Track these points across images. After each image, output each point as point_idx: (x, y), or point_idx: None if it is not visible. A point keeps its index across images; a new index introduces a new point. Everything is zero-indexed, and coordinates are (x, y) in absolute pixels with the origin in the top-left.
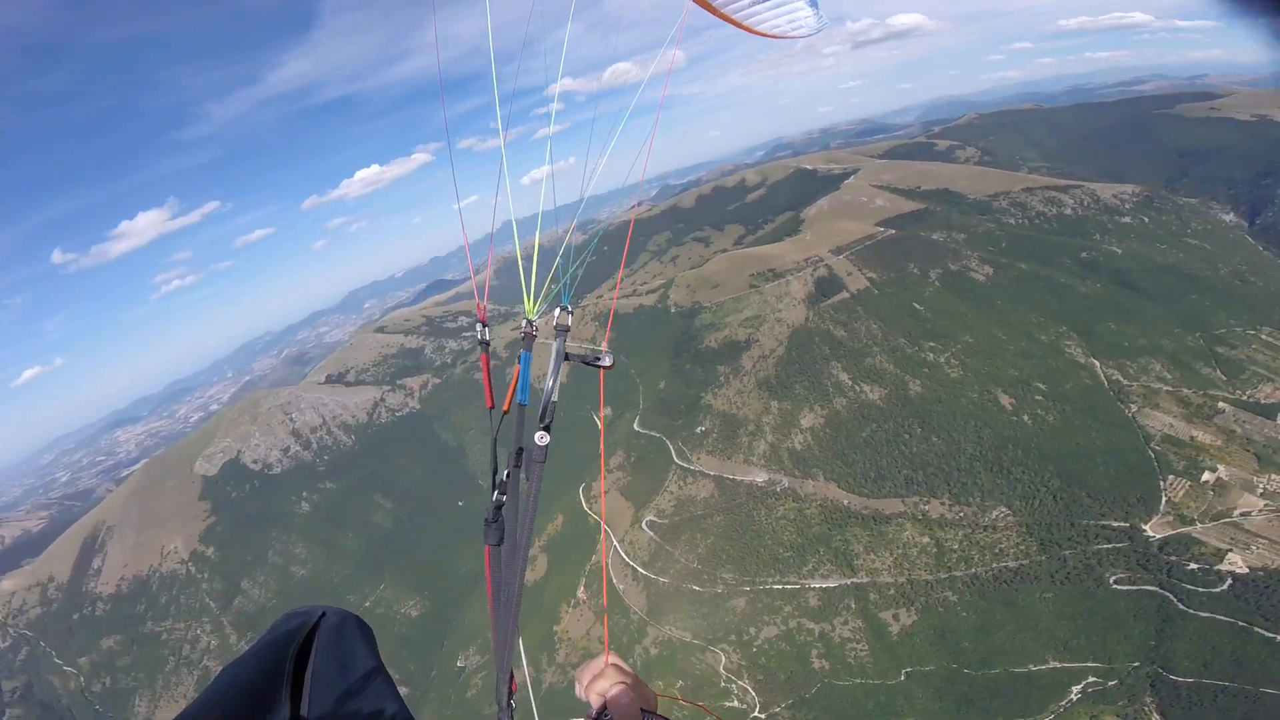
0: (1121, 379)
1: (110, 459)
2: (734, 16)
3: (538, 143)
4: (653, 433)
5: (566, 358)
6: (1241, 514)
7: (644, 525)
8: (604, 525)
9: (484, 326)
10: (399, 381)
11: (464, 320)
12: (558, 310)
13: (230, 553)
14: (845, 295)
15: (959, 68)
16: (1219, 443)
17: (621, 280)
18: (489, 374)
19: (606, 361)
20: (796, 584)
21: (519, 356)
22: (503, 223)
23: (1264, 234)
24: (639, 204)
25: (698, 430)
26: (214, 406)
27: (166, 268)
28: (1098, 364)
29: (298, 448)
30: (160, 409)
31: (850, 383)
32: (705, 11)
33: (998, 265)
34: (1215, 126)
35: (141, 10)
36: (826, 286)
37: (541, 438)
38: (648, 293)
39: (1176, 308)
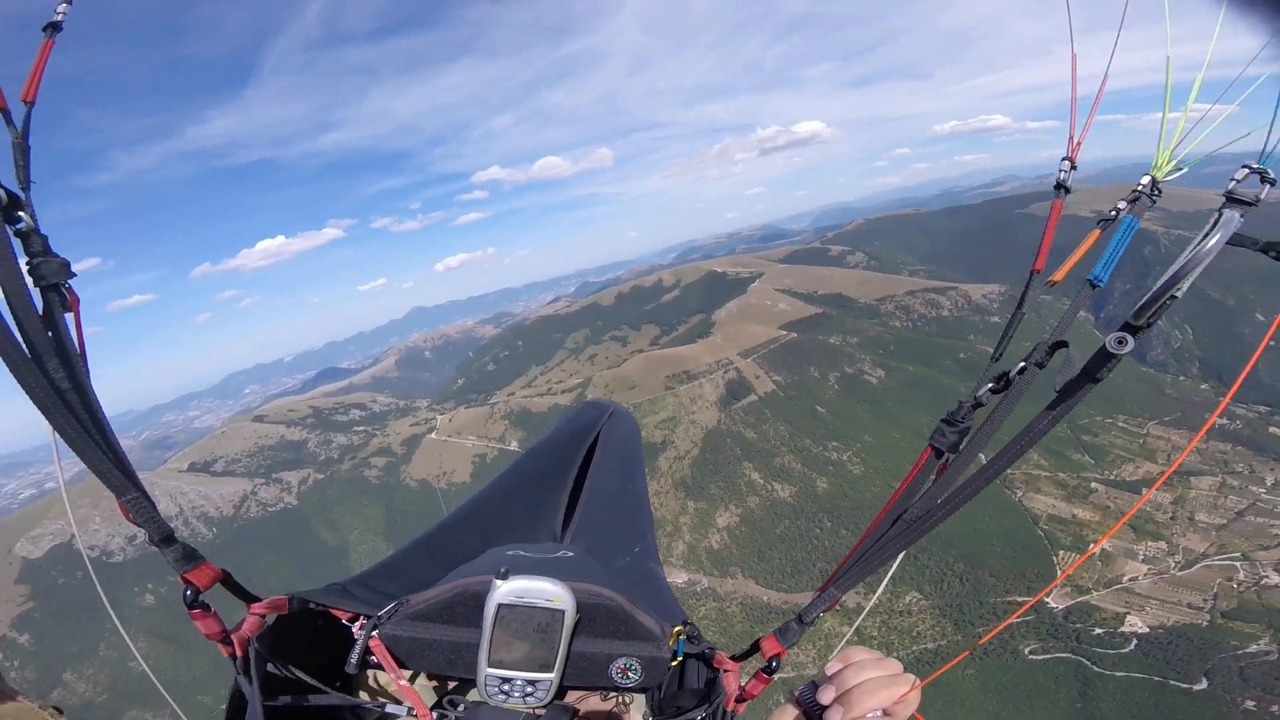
0: None
1: None
2: None
3: (458, 230)
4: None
5: (1236, 242)
6: (1130, 579)
7: None
8: None
9: (1072, 167)
10: (275, 475)
11: (356, 414)
12: (1242, 170)
13: (50, 642)
14: (754, 398)
15: (848, 175)
16: (1098, 518)
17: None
18: (1053, 228)
19: None
20: None
21: (1121, 220)
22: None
23: (1107, 327)
24: (557, 299)
25: None
26: (50, 485)
27: None
28: (982, 456)
29: (145, 537)
30: None
31: (762, 482)
32: (633, 115)
33: (888, 368)
34: (1062, 224)
35: (75, 41)
36: (737, 389)
37: (1120, 342)
38: (563, 391)
39: (1045, 401)
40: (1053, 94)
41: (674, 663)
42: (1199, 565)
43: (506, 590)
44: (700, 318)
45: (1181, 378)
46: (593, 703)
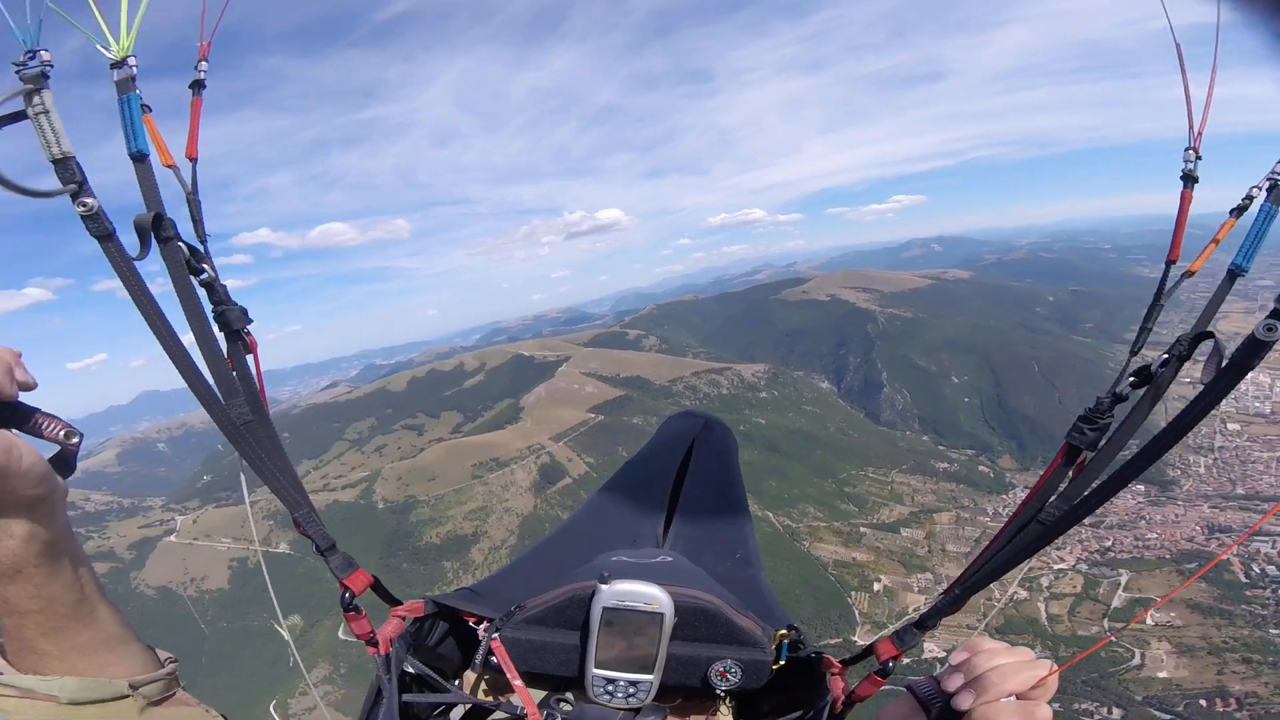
0: (790, 523)
1: None
2: None
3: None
4: None
5: None
6: (915, 609)
7: None
8: None
9: (1197, 157)
10: None
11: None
12: None
13: None
14: (569, 480)
15: (641, 262)
16: (873, 559)
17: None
18: (1184, 218)
19: None
20: None
21: (1260, 208)
22: None
23: (848, 396)
24: (335, 384)
25: None
26: None
27: None
28: (771, 515)
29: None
30: None
31: None
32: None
33: None
34: (806, 308)
35: None
36: (550, 473)
37: (1270, 329)
38: (344, 487)
39: (810, 462)
40: (796, 189)
41: (776, 666)
42: None
43: (609, 594)
44: (508, 403)
45: (908, 432)
46: (689, 704)
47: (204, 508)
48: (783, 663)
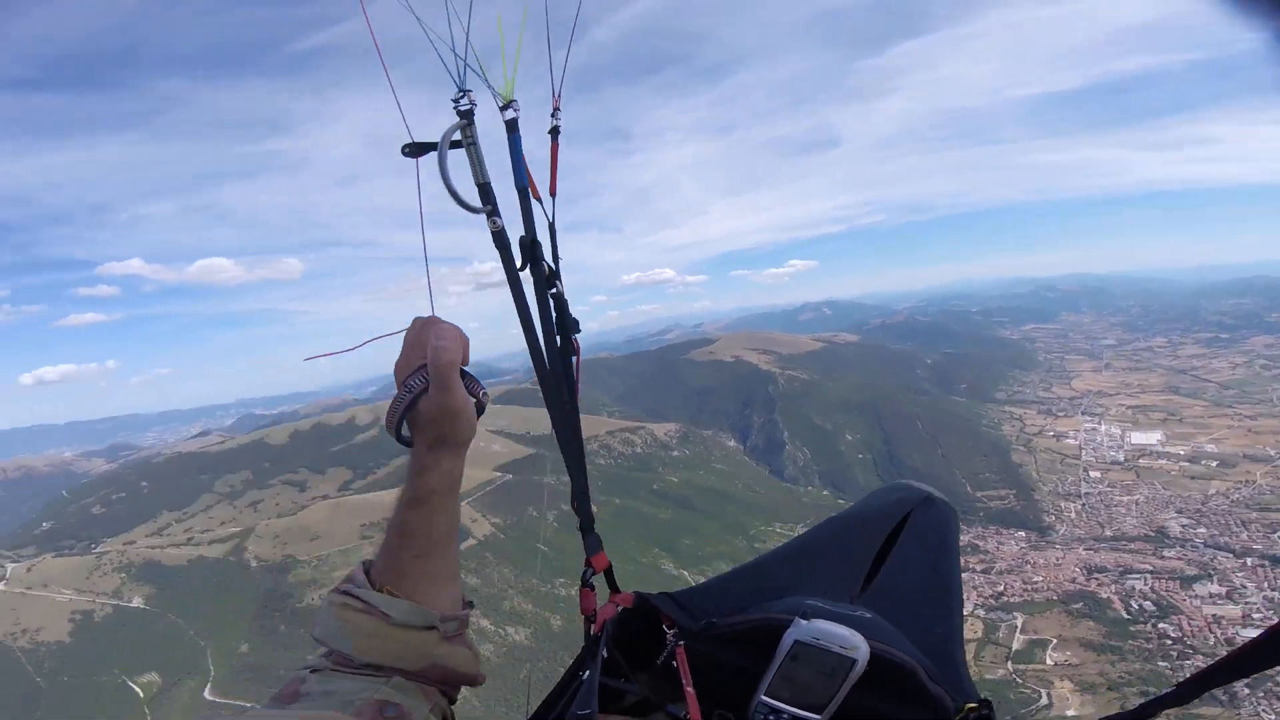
0: (704, 580)
1: None
2: None
3: (64, 332)
4: (238, 702)
5: None
6: None
7: None
8: None
9: None
10: None
11: None
12: None
13: None
14: (473, 542)
15: None
16: None
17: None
18: None
19: None
20: None
21: None
22: None
23: (753, 454)
24: (206, 432)
25: None
26: None
27: None
28: (686, 573)
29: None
30: None
31: (494, 628)
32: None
33: (599, 502)
34: (713, 368)
35: None
36: None
37: None
38: (211, 542)
39: (723, 519)
40: (703, 250)
41: None
42: None
43: (806, 629)
44: (404, 460)
45: (810, 488)
46: None
47: (42, 556)
48: None
